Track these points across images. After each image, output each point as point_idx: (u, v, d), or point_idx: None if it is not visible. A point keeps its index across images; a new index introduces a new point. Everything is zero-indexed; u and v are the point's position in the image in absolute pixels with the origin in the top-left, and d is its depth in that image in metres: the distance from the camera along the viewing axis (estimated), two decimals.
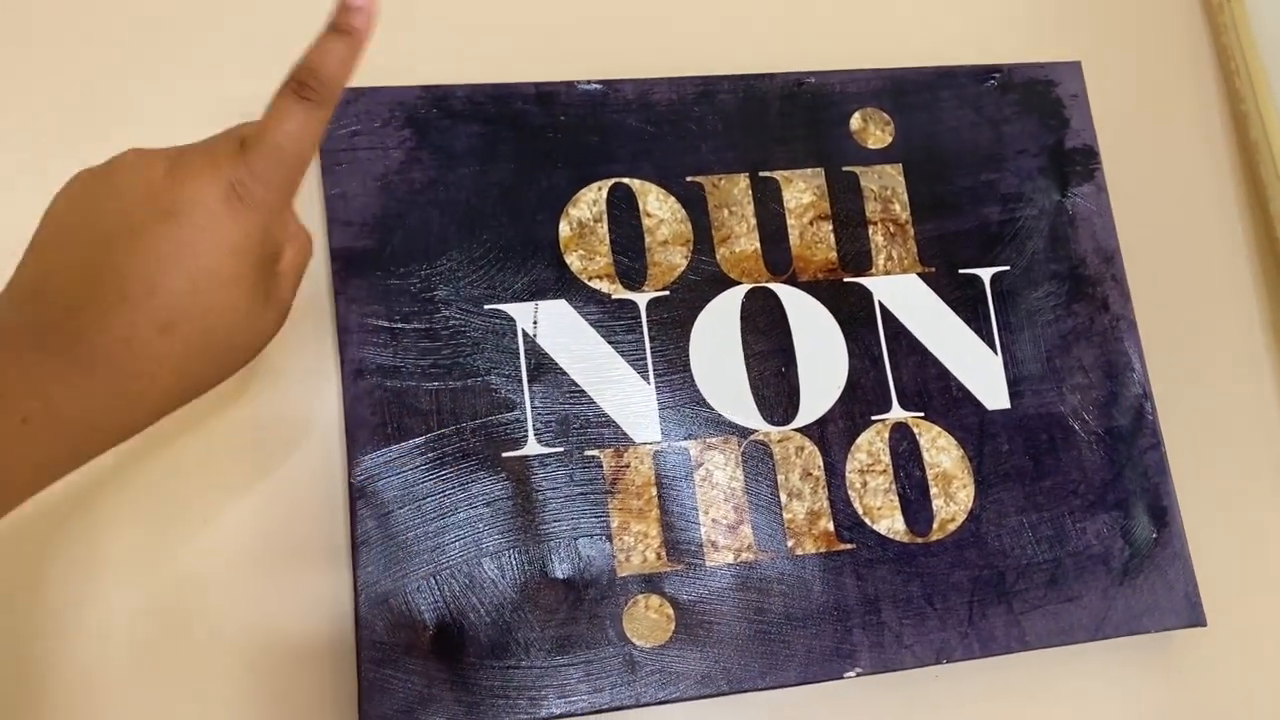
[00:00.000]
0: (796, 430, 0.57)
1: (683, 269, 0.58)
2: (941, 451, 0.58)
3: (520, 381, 0.55)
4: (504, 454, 0.54)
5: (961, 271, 0.61)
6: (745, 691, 0.53)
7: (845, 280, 0.60)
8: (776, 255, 0.60)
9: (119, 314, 0.29)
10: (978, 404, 0.59)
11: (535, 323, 0.56)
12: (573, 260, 0.57)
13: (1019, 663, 0.57)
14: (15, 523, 0.31)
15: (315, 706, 0.52)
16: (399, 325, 0.55)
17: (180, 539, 0.53)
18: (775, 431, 0.57)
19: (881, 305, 0.60)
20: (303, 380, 0.55)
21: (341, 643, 0.52)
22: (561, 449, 0.55)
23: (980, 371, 0.60)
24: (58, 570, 0.51)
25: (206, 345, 0.31)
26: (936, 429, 0.59)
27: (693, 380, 0.57)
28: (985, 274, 0.61)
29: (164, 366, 0.30)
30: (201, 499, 0.53)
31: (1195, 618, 0.58)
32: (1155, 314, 0.63)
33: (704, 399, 0.57)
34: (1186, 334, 0.66)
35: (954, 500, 0.58)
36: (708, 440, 0.56)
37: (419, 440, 0.54)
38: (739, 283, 0.59)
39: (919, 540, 0.57)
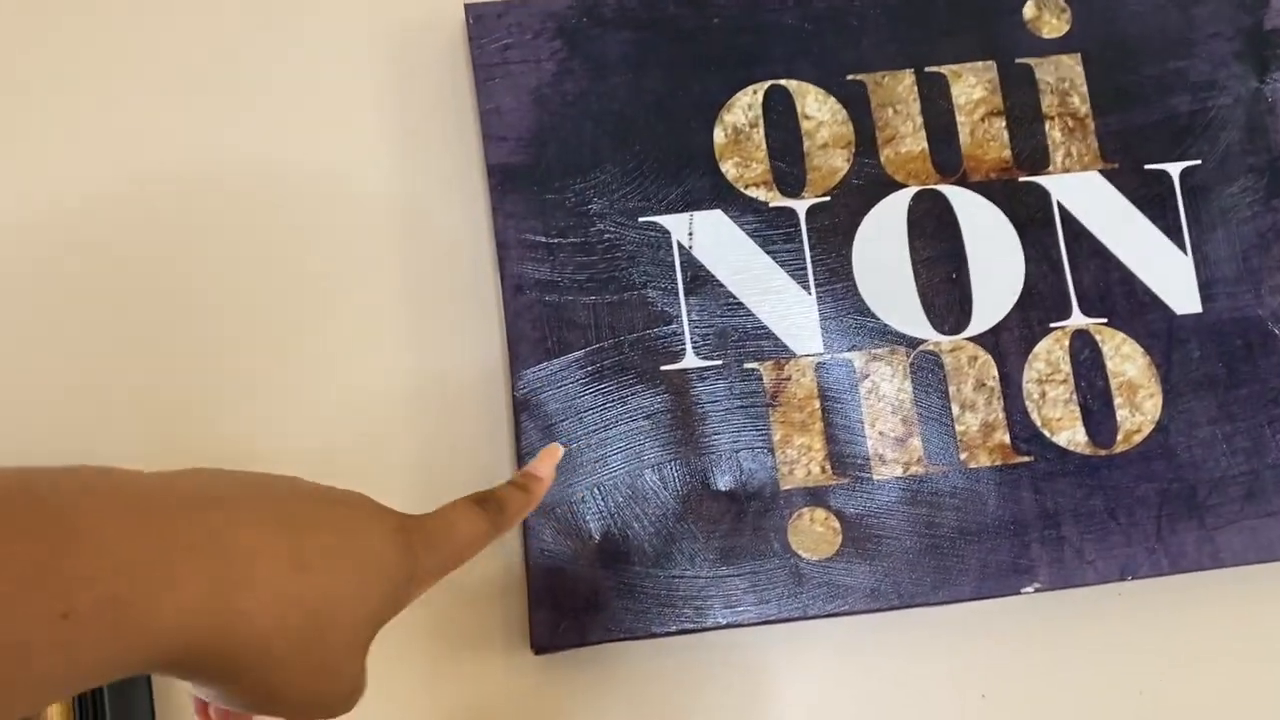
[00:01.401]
0: (969, 339, 0.55)
1: (844, 173, 0.56)
2: (1126, 359, 0.55)
3: (677, 294, 0.54)
4: (662, 367, 0.54)
5: (1147, 167, 0.57)
6: (917, 606, 0.52)
7: (1020, 180, 0.56)
8: (945, 155, 0.57)
9: (257, 527, 0.27)
10: (1166, 308, 0.55)
11: (691, 234, 0.55)
12: (728, 168, 0.56)
13: (1211, 581, 0.53)
14: None
15: (486, 613, 0.53)
16: (555, 240, 0.55)
17: (346, 456, 0.54)
18: (946, 341, 0.55)
19: (1060, 205, 0.56)
20: (464, 298, 0.56)
21: (510, 553, 0.53)
22: (720, 362, 0.54)
23: (1168, 274, 0.56)
24: None
25: (318, 616, 0.27)
26: (1121, 336, 0.55)
27: (856, 289, 0.55)
28: (1174, 169, 0.57)
29: (271, 599, 0.26)
30: (369, 411, 0.55)
31: None
32: None
33: (868, 308, 0.55)
34: None
35: (1140, 410, 0.54)
36: (873, 351, 0.54)
37: (578, 354, 0.53)
38: (905, 185, 0.56)
39: (1102, 453, 0.54)
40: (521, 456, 0.52)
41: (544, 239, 0.55)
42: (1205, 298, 0.56)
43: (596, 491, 0.52)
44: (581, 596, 0.51)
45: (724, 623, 0.51)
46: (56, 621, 0.22)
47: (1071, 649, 0.54)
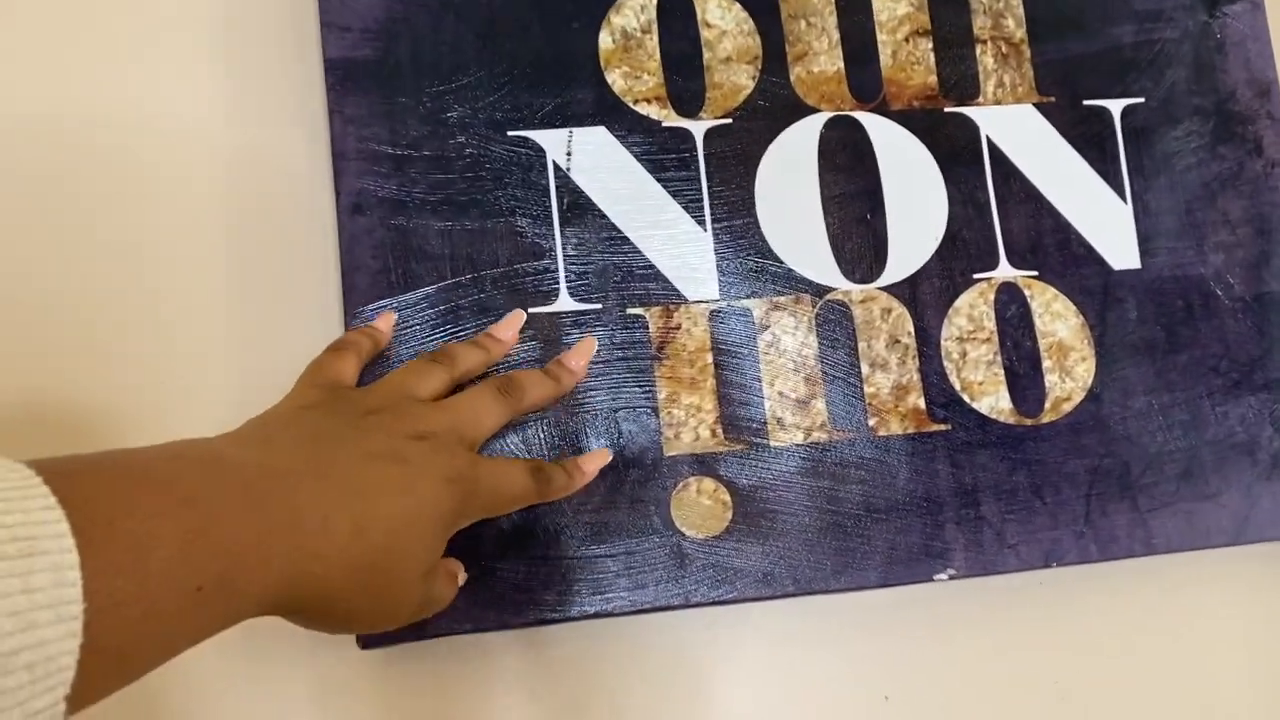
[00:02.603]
0: (883, 289, 0.48)
1: (748, 92, 0.48)
2: (1057, 318, 0.48)
3: (550, 224, 0.46)
4: (531, 309, 0.45)
5: (1086, 103, 0.51)
6: (815, 593, 0.45)
7: (946, 110, 0.49)
8: (863, 78, 0.49)
9: (326, 493, 0.31)
10: (1102, 263, 0.49)
11: (569, 154, 0.47)
12: (615, 79, 0.47)
13: (1143, 569, 0.48)
14: None
15: None
16: (405, 152, 0.46)
17: (165, 403, 0.44)
18: (857, 290, 0.47)
19: (989, 141, 0.49)
20: (293, 214, 0.46)
21: None
22: (599, 305, 0.46)
23: (1106, 224, 0.50)
24: None
25: (376, 568, 0.32)
26: (1052, 291, 0.49)
27: (758, 227, 0.47)
28: (1115, 106, 0.51)
29: (339, 564, 0.31)
30: (185, 349, 0.45)
31: None
32: None
33: (771, 250, 0.47)
34: None
35: (1070, 376, 0.48)
36: (775, 299, 0.47)
37: (429, 290, 0.45)
38: (817, 110, 0.49)
39: (1027, 422, 0.47)
40: None
41: (391, 150, 0.46)
42: (1144, 253, 0.50)
43: None
44: None
45: (592, 612, 0.43)
46: (191, 594, 0.26)
47: (986, 643, 0.47)
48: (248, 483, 0.29)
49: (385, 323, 0.43)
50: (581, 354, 0.44)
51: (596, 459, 0.43)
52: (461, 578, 0.40)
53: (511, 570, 0.43)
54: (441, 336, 0.44)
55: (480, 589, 0.43)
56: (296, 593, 0.30)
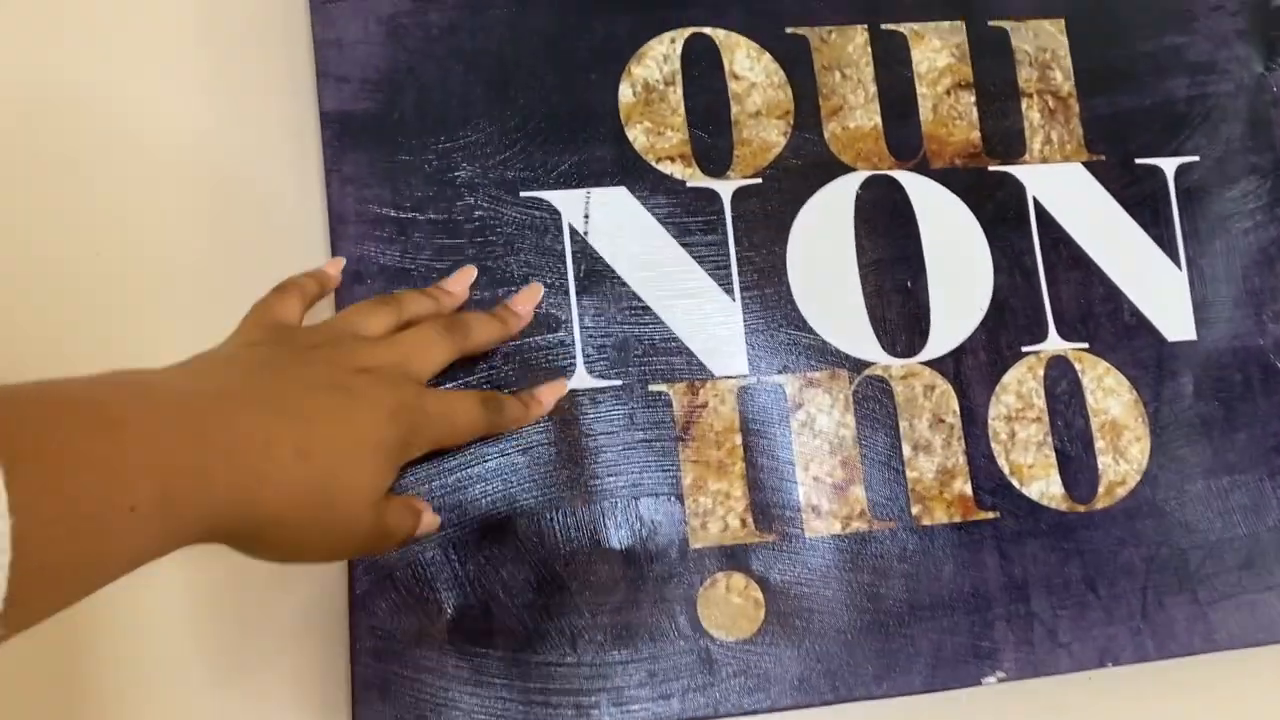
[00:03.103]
0: (925, 364, 0.44)
1: (779, 149, 0.45)
2: (1110, 394, 0.45)
3: (567, 292, 0.42)
4: None
5: (1139, 162, 0.47)
6: (855, 700, 0.41)
7: (990, 169, 0.46)
8: (902, 134, 0.46)
9: (267, 419, 0.31)
10: (1155, 333, 0.46)
11: (587, 216, 0.43)
12: (636, 135, 0.44)
13: (1203, 666, 0.44)
14: None
15: (297, 710, 0.40)
16: (409, 215, 0.42)
17: None
18: (897, 365, 0.44)
19: (1036, 202, 0.46)
20: None
21: (331, 630, 0.40)
22: (620, 382, 0.42)
23: (1160, 291, 0.46)
24: None
25: (321, 493, 0.31)
26: (1104, 365, 0.45)
27: (790, 296, 0.44)
28: (1168, 165, 0.47)
29: (283, 488, 0.30)
30: None
31: None
32: None
33: (804, 321, 0.44)
34: None
35: (1124, 458, 0.45)
36: (809, 375, 0.43)
37: None
38: (853, 169, 0.45)
39: (1080, 509, 0.44)
40: None
41: (394, 212, 0.42)
42: (1200, 322, 0.46)
43: (451, 551, 0.40)
44: (425, 691, 0.38)
45: None
46: (125, 514, 0.26)
47: None
48: (184, 406, 0.29)
49: (334, 267, 0.41)
50: (529, 298, 0.42)
51: (554, 389, 0.41)
52: (430, 518, 0.38)
53: (522, 679, 0.39)
54: None
55: (488, 699, 0.39)
56: (240, 517, 0.29)
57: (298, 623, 0.40)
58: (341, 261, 0.41)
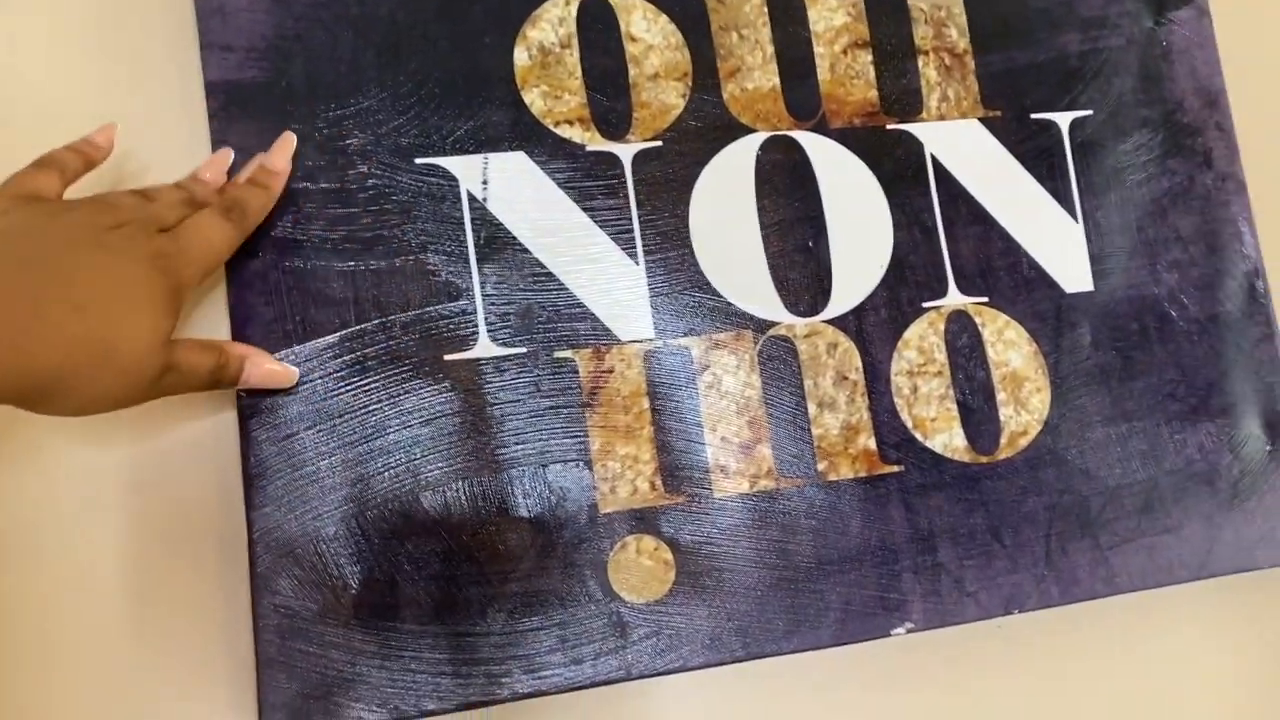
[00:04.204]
0: (828, 322, 0.44)
1: (679, 112, 0.45)
2: (1010, 346, 0.46)
3: (466, 260, 0.42)
4: (447, 356, 0.41)
5: (1034, 117, 0.48)
6: (766, 656, 0.41)
7: (889, 128, 0.46)
8: (801, 94, 0.46)
9: (32, 280, 0.31)
10: (1054, 286, 0.47)
11: (485, 183, 0.42)
12: (533, 99, 0.43)
13: (1105, 610, 0.45)
14: None
15: (201, 690, 0.39)
16: (300, 185, 0.41)
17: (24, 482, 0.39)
18: (801, 324, 0.44)
19: (934, 159, 0.46)
20: None
21: (234, 608, 0.39)
22: (524, 349, 0.42)
23: (1057, 245, 0.47)
24: None
25: (101, 342, 0.32)
26: (1004, 318, 0.46)
27: (693, 258, 0.44)
28: (1063, 120, 0.48)
29: (59, 343, 0.31)
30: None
31: None
32: (1269, 171, 0.50)
33: (709, 282, 0.44)
34: None
35: (1025, 408, 0.45)
36: (715, 336, 0.43)
37: (331, 339, 0.40)
38: (752, 130, 0.45)
39: (983, 460, 0.45)
40: (251, 480, 0.39)
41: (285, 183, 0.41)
42: (1097, 274, 0.47)
43: (355, 525, 0.39)
44: (332, 667, 0.38)
45: (525, 691, 0.39)
46: None
47: (940, 696, 0.45)
48: None
49: (104, 135, 0.39)
50: (283, 150, 0.40)
51: (281, 146, 0.40)
52: (263, 361, 0.38)
53: (431, 650, 0.39)
54: (346, 391, 0.40)
55: (397, 672, 0.38)
56: (21, 374, 0.31)
57: (201, 601, 0.40)
58: (113, 129, 0.39)
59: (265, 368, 0.39)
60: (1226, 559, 0.46)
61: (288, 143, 0.41)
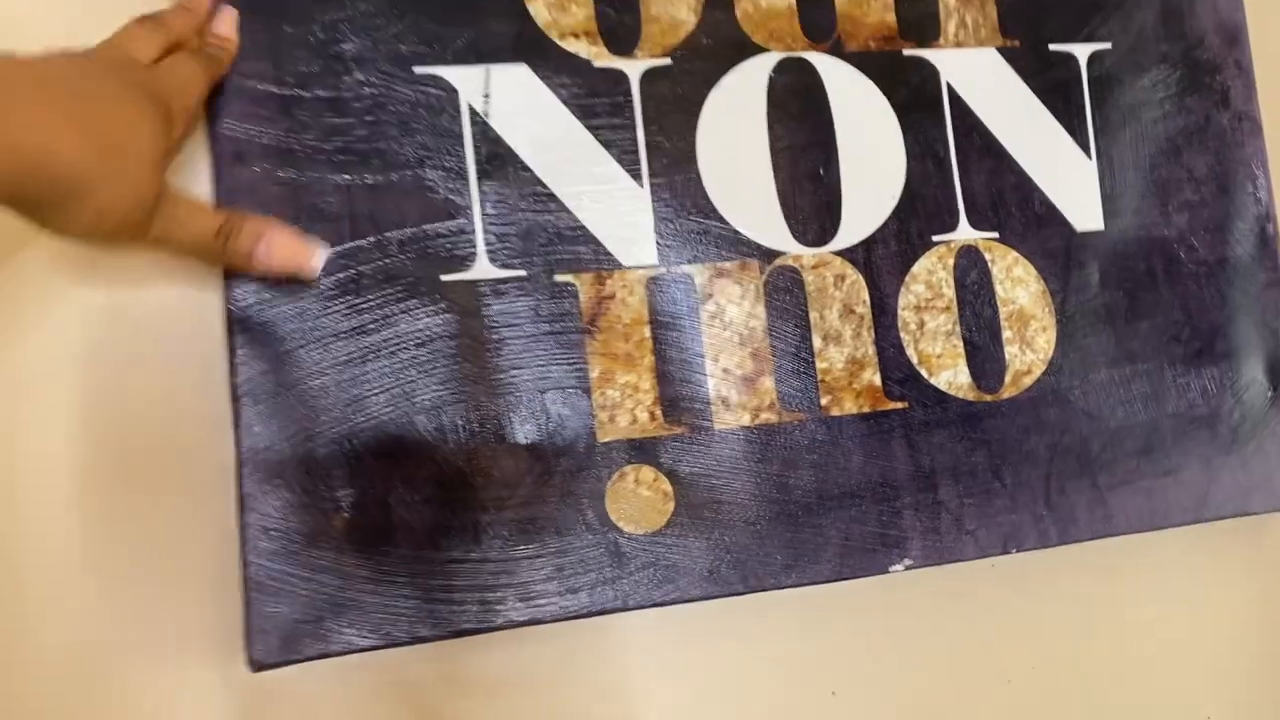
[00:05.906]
0: (836, 254, 0.43)
1: (690, 28, 0.43)
2: (1018, 284, 0.45)
3: (465, 177, 0.40)
4: (443, 277, 0.40)
5: (1052, 48, 0.46)
6: (764, 590, 0.41)
7: (905, 53, 0.45)
8: (816, 14, 0.44)
9: (49, 95, 0.33)
10: (1065, 223, 0.46)
11: (486, 96, 0.41)
12: (539, 9, 0.41)
13: (1102, 550, 0.45)
14: None
15: (188, 615, 0.38)
16: (293, 92, 0.39)
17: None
18: (809, 255, 0.43)
19: (950, 88, 0.45)
20: None
21: (222, 529, 0.38)
22: (524, 272, 0.40)
23: (1070, 181, 0.46)
24: None
25: (112, 136, 0.33)
26: (1013, 255, 0.45)
27: (700, 183, 0.42)
28: (1081, 52, 0.47)
29: (74, 140, 0.32)
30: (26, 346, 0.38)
31: None
32: None
33: (715, 209, 0.42)
34: None
35: (1031, 347, 0.45)
36: (719, 265, 0.42)
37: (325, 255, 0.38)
38: (765, 50, 0.43)
39: (987, 398, 0.44)
40: (239, 399, 0.37)
41: (276, 89, 0.39)
42: (1108, 213, 0.46)
43: (347, 445, 0.38)
44: (323, 594, 0.37)
45: (520, 620, 0.39)
46: None
47: (934, 634, 0.45)
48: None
49: (225, 24, 0.39)
50: (228, 21, 0.39)
51: (227, 18, 0.39)
52: (285, 235, 0.37)
53: (425, 576, 0.38)
54: (340, 310, 0.38)
55: (389, 598, 0.37)
56: (46, 172, 0.32)
57: (188, 523, 0.38)
58: (234, 13, 0.39)
59: (288, 243, 0.37)
60: (1223, 503, 0.46)
61: (232, 13, 0.39)
